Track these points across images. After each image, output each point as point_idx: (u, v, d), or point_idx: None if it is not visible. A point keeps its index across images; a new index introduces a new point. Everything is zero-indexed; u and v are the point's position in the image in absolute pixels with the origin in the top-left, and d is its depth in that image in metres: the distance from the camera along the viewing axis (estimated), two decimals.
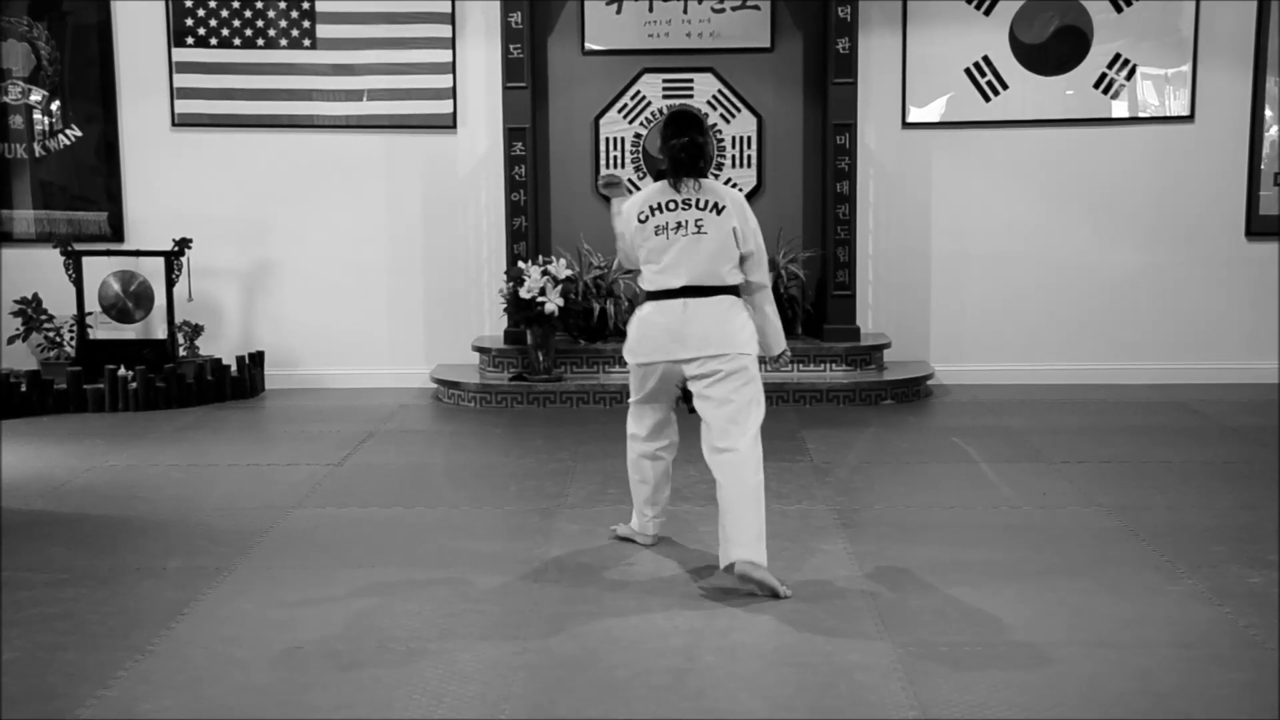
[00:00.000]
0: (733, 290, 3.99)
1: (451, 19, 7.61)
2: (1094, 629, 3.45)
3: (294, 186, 7.76)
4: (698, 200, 3.97)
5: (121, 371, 7.14)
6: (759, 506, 3.79)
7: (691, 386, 3.97)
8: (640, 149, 7.70)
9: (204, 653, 3.33)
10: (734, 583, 3.78)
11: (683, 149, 3.97)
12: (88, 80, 7.66)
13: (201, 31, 7.60)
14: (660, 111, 7.66)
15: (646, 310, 4.02)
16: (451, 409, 7.15)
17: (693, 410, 4.01)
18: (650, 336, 3.99)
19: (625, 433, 4.28)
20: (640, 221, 4.01)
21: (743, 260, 4.01)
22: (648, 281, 4.03)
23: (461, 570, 4.02)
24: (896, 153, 7.72)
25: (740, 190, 7.65)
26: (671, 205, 3.97)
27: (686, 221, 3.94)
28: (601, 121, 7.74)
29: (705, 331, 3.90)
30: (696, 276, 3.93)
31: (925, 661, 3.21)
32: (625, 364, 4.20)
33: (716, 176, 7.63)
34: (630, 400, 4.22)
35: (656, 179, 4.11)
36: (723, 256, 3.95)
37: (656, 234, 3.97)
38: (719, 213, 3.96)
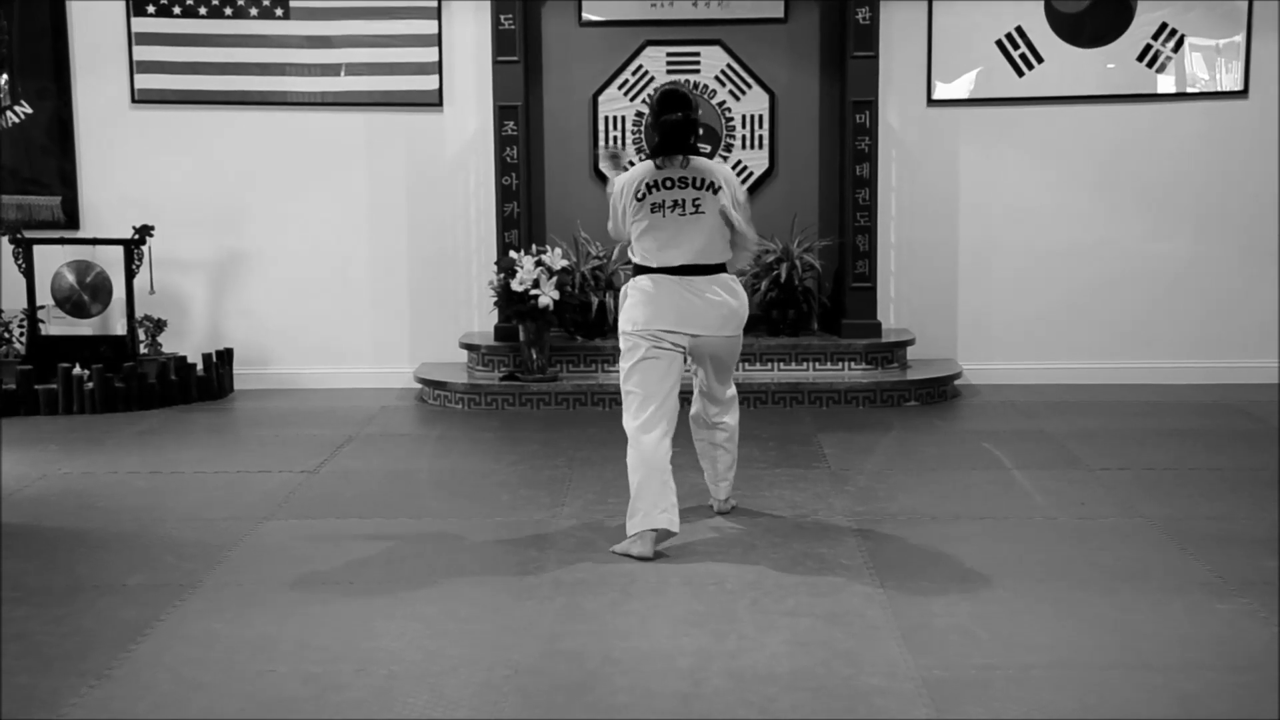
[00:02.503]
0: (724, 266, 4.48)
1: None
2: (1136, 651, 3.45)
3: (266, 169, 7.77)
4: (694, 179, 4.39)
5: (77, 370, 7.15)
6: None
7: (696, 353, 4.47)
8: (643, 128, 7.69)
9: (168, 677, 3.34)
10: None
11: (674, 126, 4.37)
12: (39, 53, 7.67)
13: None
14: None
15: (645, 283, 4.42)
16: (437, 411, 7.16)
17: None
18: (656, 306, 4.36)
19: (626, 436, 4.43)
20: (637, 199, 4.41)
21: (731, 232, 4.46)
22: (643, 258, 4.45)
23: (448, 587, 4.03)
24: (921, 132, 7.72)
25: (751, 174, 7.72)
26: (668, 183, 4.38)
27: (684, 200, 4.36)
28: (600, 98, 7.74)
29: (723, 312, 4.41)
30: (695, 255, 4.39)
31: (952, 686, 3.22)
32: None
33: (725, 159, 7.64)
34: (630, 390, 4.41)
35: (651, 156, 4.45)
36: (718, 235, 4.42)
37: (653, 211, 4.38)
38: (715, 192, 4.40)
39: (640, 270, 4.45)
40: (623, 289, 4.54)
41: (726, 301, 4.42)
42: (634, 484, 4.33)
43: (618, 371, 7.06)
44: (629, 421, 4.41)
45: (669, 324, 4.36)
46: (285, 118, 7.72)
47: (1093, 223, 7.71)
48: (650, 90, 7.65)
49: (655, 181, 4.37)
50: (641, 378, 4.38)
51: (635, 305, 4.40)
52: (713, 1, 7.63)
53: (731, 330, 4.47)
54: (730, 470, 4.79)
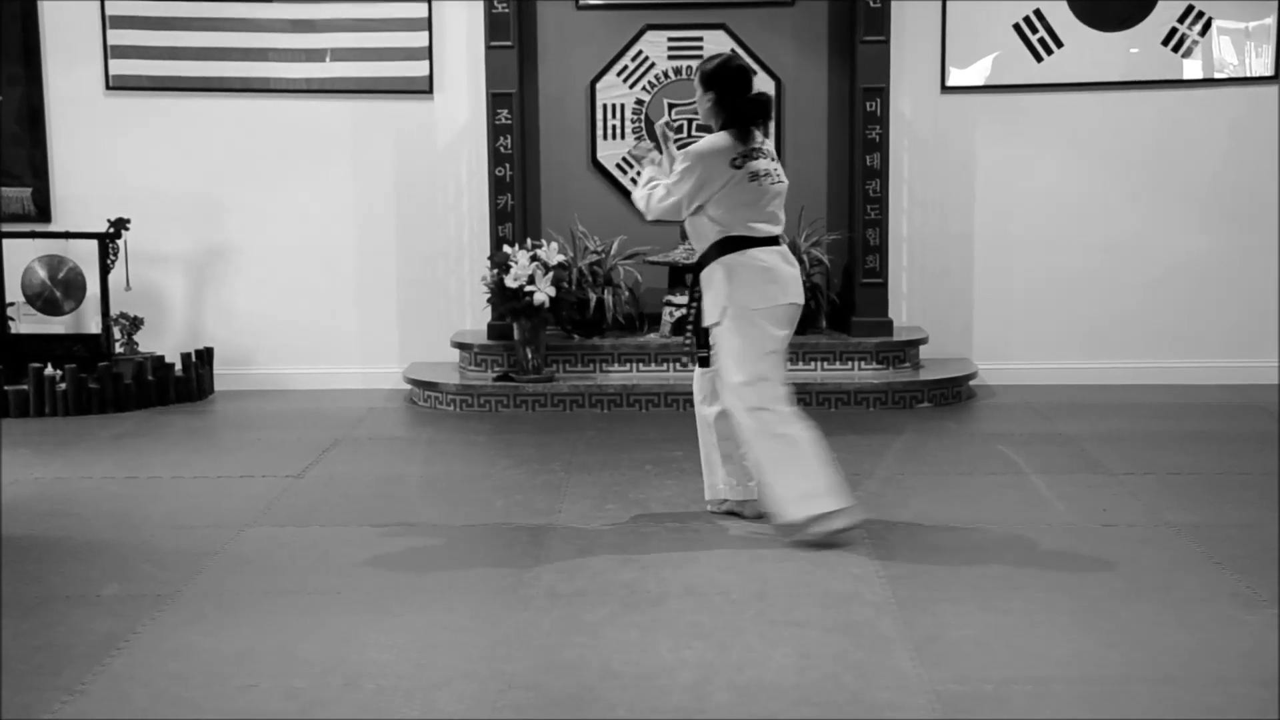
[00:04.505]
0: None
1: None
2: (1160, 663, 3.46)
3: (248, 160, 7.77)
4: (770, 152, 4.66)
5: (49, 370, 7.15)
6: None
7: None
8: (643, 117, 7.71)
9: (145, 691, 3.34)
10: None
11: (763, 99, 4.62)
12: (9, 37, 7.67)
13: None
14: (665, 74, 7.68)
15: (760, 256, 4.56)
16: (428, 413, 7.17)
17: (705, 360, 4.74)
18: (776, 281, 4.56)
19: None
20: (735, 167, 4.53)
21: None
22: (746, 229, 4.56)
23: (439, 597, 4.03)
24: (935, 121, 7.73)
25: None
26: (755, 154, 4.59)
27: (772, 171, 4.61)
28: (598, 86, 7.75)
29: (799, 281, 4.67)
30: (780, 224, 4.67)
31: (967, 700, 3.22)
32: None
33: None
34: (753, 377, 4.54)
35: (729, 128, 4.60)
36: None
37: (751, 180, 4.55)
38: (781, 164, 4.73)
39: (740, 242, 4.55)
40: (717, 264, 4.57)
41: (797, 270, 4.70)
42: (796, 469, 4.52)
43: (617, 371, 7.14)
44: (773, 420, 4.55)
45: (791, 296, 4.59)
46: (268, 105, 7.73)
47: (1114, 215, 7.72)
48: (651, 77, 7.67)
49: (747, 151, 4.55)
50: (770, 367, 4.55)
51: (755, 282, 4.54)
52: None
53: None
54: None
